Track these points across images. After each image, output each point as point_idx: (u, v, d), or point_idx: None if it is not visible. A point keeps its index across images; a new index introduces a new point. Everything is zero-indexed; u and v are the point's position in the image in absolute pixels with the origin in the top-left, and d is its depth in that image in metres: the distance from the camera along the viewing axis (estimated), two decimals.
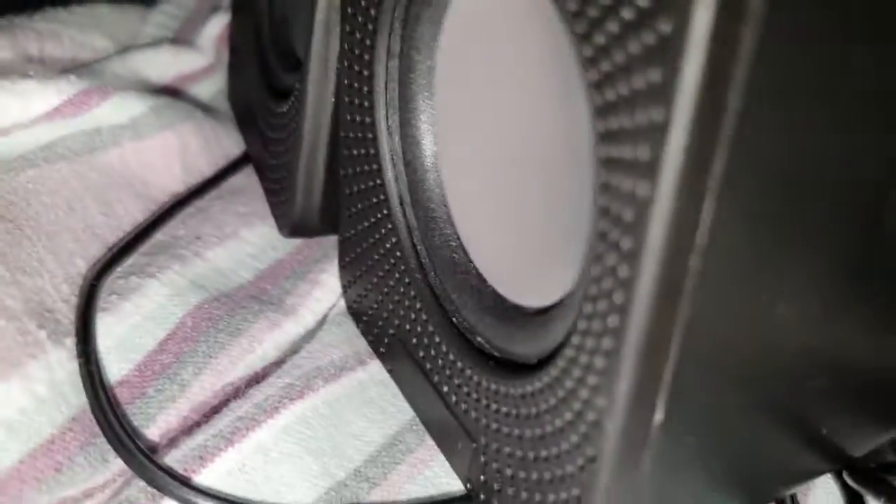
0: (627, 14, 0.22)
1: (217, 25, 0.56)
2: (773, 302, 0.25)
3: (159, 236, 0.43)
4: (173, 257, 0.40)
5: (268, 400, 0.34)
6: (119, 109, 0.44)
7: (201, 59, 0.55)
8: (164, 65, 0.53)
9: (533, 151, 0.30)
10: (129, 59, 0.51)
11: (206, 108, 0.52)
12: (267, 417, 0.34)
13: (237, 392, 0.35)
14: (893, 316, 0.29)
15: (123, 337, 0.36)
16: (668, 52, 0.21)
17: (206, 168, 0.49)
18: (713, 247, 0.22)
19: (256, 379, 0.36)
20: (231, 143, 0.52)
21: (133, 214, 0.43)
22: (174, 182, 0.47)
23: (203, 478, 0.31)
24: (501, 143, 0.32)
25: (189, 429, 0.34)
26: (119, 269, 0.39)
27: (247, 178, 0.51)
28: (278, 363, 0.37)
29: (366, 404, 0.37)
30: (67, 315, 0.35)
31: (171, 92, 0.53)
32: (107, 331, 0.36)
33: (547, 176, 0.30)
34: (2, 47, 0.46)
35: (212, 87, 0.55)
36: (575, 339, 0.26)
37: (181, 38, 0.57)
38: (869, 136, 0.23)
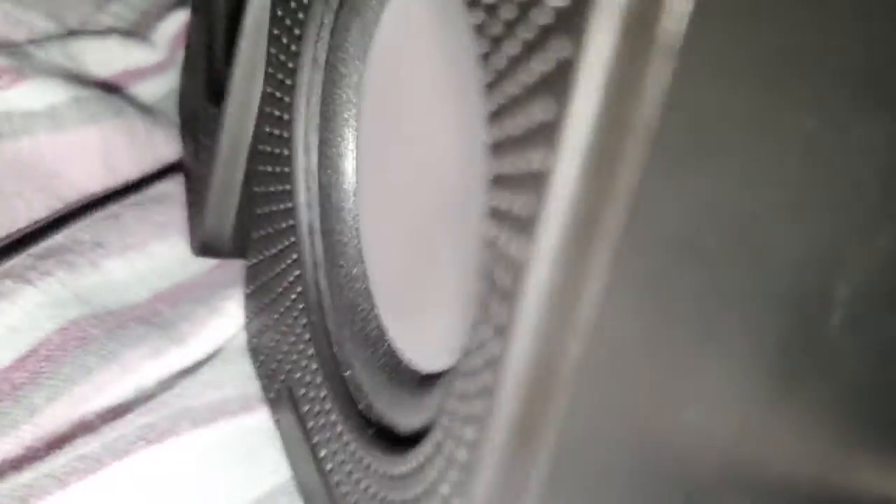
0: (527, 33, 0.17)
1: (175, 22, 0.52)
2: (678, 404, 0.20)
3: (59, 238, 0.38)
4: (63, 263, 0.36)
5: (119, 440, 0.30)
6: (35, 95, 0.40)
7: (152, 56, 0.51)
8: (109, 56, 0.49)
9: (443, 197, 0.26)
10: (70, 45, 0.47)
11: (145, 109, 0.48)
12: (113, 460, 0.29)
13: (90, 426, 0.31)
14: (836, 432, 0.24)
15: None
16: (561, 83, 0.16)
17: (132, 171, 0.45)
18: (600, 327, 0.18)
19: (118, 413, 0.32)
20: (167, 150, 0.48)
21: (34, 211, 0.39)
22: (91, 182, 0.42)
23: None
24: (415, 183, 0.28)
25: (29, 462, 0.29)
26: None
27: (177, 188, 0.46)
28: (148, 398, 0.33)
29: (240, 457, 0.32)
30: None
31: (112, 87, 0.48)
32: None
33: (458, 227, 0.26)
34: None
35: (159, 88, 0.51)
36: (443, 421, 0.22)
37: (136, 31, 0.53)
38: (810, 205, 0.19)
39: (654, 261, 0.17)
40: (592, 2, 0.15)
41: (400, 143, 0.29)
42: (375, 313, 0.31)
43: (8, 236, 0.36)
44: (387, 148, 0.30)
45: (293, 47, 0.32)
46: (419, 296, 0.28)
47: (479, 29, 0.19)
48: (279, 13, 0.32)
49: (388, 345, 0.30)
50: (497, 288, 0.18)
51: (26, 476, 0.28)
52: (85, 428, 0.31)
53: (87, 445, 0.29)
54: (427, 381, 0.27)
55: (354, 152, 0.32)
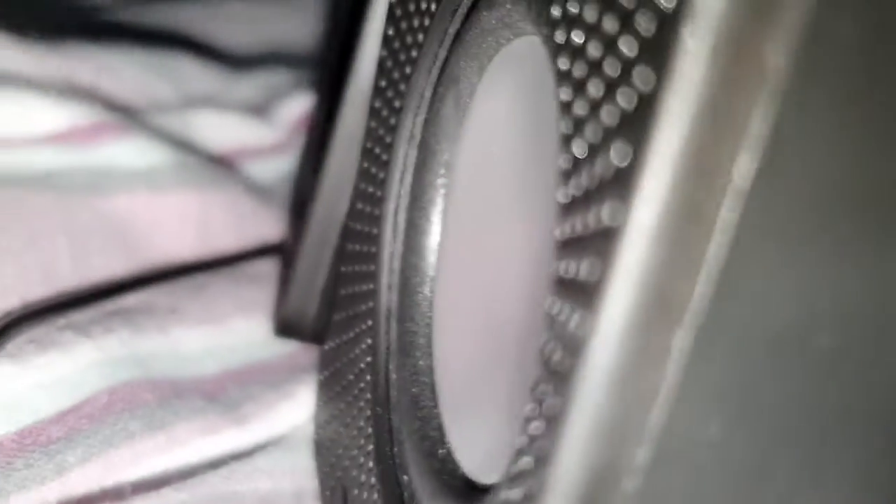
0: (607, 117, 0.15)
1: (300, 105, 0.52)
2: None
3: (133, 299, 0.37)
4: (129, 323, 0.34)
5: None
6: (138, 153, 0.39)
7: (270, 136, 0.50)
8: (225, 131, 0.48)
9: (516, 293, 0.23)
10: (188, 116, 0.47)
11: (255, 187, 0.47)
12: None
13: (121, 494, 0.28)
14: None
15: (19, 393, 0.30)
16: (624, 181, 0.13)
17: (229, 245, 0.43)
18: (672, 432, 0.14)
19: (155, 485, 0.29)
20: (271, 230, 0.46)
21: (113, 269, 0.37)
22: (183, 249, 0.41)
23: None
24: (491, 275, 0.25)
25: None
26: (60, 321, 0.33)
27: (274, 269, 0.45)
28: (189, 474, 0.30)
29: None
30: None
31: (224, 162, 0.48)
32: (1, 381, 0.29)
33: (525, 330, 0.23)
34: (49, 66, 0.42)
35: (274, 169, 0.50)
36: None
37: (259, 110, 0.52)
38: None
39: (746, 355, 0.14)
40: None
41: (482, 229, 0.26)
42: (437, 412, 0.27)
43: (81, 289, 0.35)
44: (469, 233, 0.27)
45: (392, 120, 0.30)
46: (481, 400, 0.25)
47: (567, 108, 0.16)
48: (382, 84, 0.31)
49: (447, 449, 0.26)
50: (552, 372, 0.15)
51: None
52: (115, 496, 0.28)
53: None
54: (480, 496, 0.24)
55: (439, 236, 0.29)
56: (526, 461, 0.16)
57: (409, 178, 0.30)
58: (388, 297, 0.30)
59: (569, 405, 0.14)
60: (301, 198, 0.47)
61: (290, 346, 0.39)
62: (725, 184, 0.12)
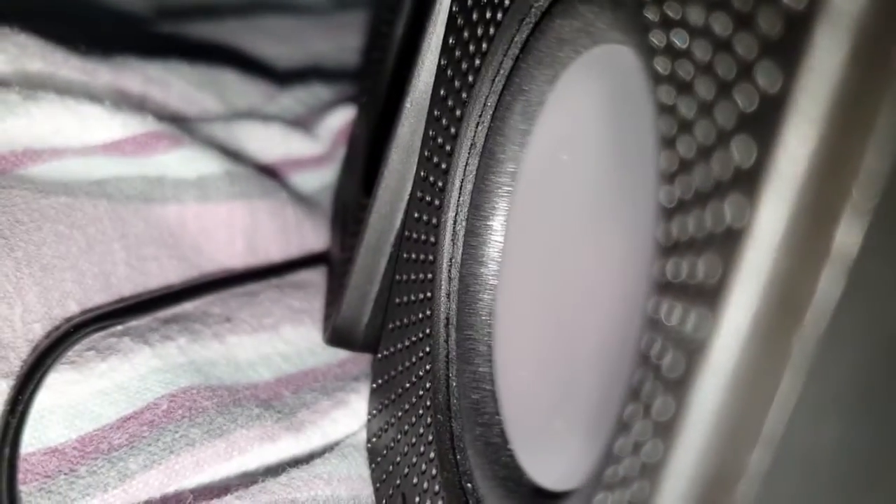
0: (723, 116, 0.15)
1: (340, 118, 0.52)
2: None
3: (188, 307, 0.37)
4: (186, 330, 0.34)
5: None
6: (188, 163, 0.39)
7: (313, 148, 0.50)
8: (270, 143, 0.48)
9: (595, 306, 0.23)
10: (234, 127, 0.47)
11: (299, 197, 0.47)
12: None
13: (182, 501, 0.28)
14: None
15: (80, 400, 0.30)
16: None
17: (275, 254, 0.43)
18: (793, 438, 0.14)
19: (215, 492, 0.29)
20: (315, 240, 0.46)
21: (166, 276, 0.38)
22: (232, 258, 0.41)
23: None
24: (563, 287, 0.25)
25: None
26: (118, 328, 0.33)
27: (319, 278, 0.45)
28: (251, 481, 0.30)
29: None
30: (23, 356, 0.30)
31: (269, 172, 0.48)
32: (62, 387, 0.30)
33: (606, 341, 0.22)
34: (100, 78, 0.42)
35: (316, 180, 0.50)
36: None
37: (302, 123, 0.52)
38: None
39: (867, 356, 0.14)
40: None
41: (552, 238, 0.26)
42: (499, 419, 0.27)
43: (138, 296, 0.35)
44: (537, 243, 0.27)
45: (452, 129, 0.30)
46: (549, 407, 0.25)
47: (669, 110, 0.16)
48: (442, 93, 0.31)
49: (511, 456, 0.26)
50: (662, 376, 0.15)
51: None
52: (176, 503, 0.28)
53: None
54: (549, 499, 0.24)
55: (501, 244, 0.29)
56: (628, 466, 0.16)
57: (469, 187, 0.30)
58: (446, 305, 0.30)
59: (684, 409, 0.14)
60: (343, 207, 0.47)
61: (339, 355, 0.39)
62: (854, 184, 0.12)
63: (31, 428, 0.28)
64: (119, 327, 0.33)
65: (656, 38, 0.17)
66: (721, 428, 0.13)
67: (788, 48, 0.12)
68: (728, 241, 0.13)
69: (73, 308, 0.33)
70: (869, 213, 0.12)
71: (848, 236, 0.13)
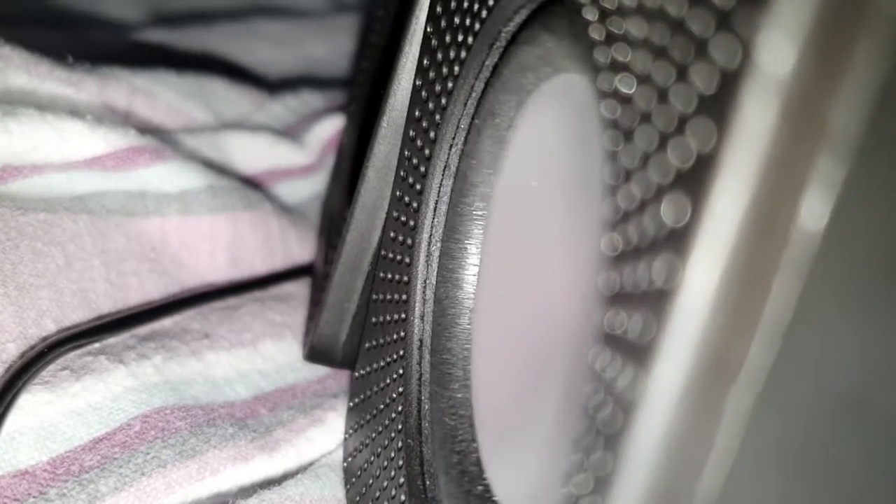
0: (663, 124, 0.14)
1: (330, 127, 0.52)
2: None
3: (167, 323, 0.37)
4: (162, 348, 0.34)
5: None
6: (170, 177, 0.39)
7: (301, 158, 0.50)
8: (257, 153, 0.48)
9: (559, 329, 0.23)
10: (221, 137, 0.47)
11: (285, 208, 0.47)
12: None
13: None
14: None
15: (52, 421, 0.30)
16: (698, 183, 0.13)
17: (259, 267, 0.43)
18: (729, 500, 0.14)
19: None
20: (299, 251, 0.46)
21: (147, 292, 0.37)
22: (214, 272, 0.41)
23: None
24: (534, 309, 0.25)
25: None
26: (94, 346, 0.33)
27: (303, 291, 0.45)
28: (223, 503, 0.30)
29: None
30: None
31: (255, 183, 0.48)
32: (34, 408, 0.30)
33: (569, 367, 0.22)
34: (85, 91, 0.42)
35: (303, 190, 0.50)
36: None
37: (291, 133, 0.52)
38: None
39: (804, 418, 0.14)
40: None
41: (524, 262, 0.26)
42: (475, 447, 0.27)
43: (117, 313, 0.35)
44: (510, 267, 0.27)
45: (427, 150, 0.30)
46: (524, 437, 0.25)
47: (613, 157, 0.16)
48: (417, 114, 0.30)
49: (486, 485, 0.26)
50: (601, 430, 0.15)
51: None
52: None
53: None
54: None
55: (477, 267, 0.29)
56: None
57: (443, 208, 0.30)
58: (420, 326, 0.30)
59: (619, 466, 0.14)
60: (329, 219, 0.47)
61: (319, 371, 0.39)
62: (785, 247, 0.12)
63: (2, 450, 0.28)
64: (96, 345, 0.33)
65: (605, 81, 0.17)
66: (655, 488, 0.13)
67: (721, 106, 0.12)
68: (660, 301, 0.13)
69: (49, 327, 0.33)
70: (803, 276, 0.12)
71: (782, 299, 0.12)
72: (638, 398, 0.13)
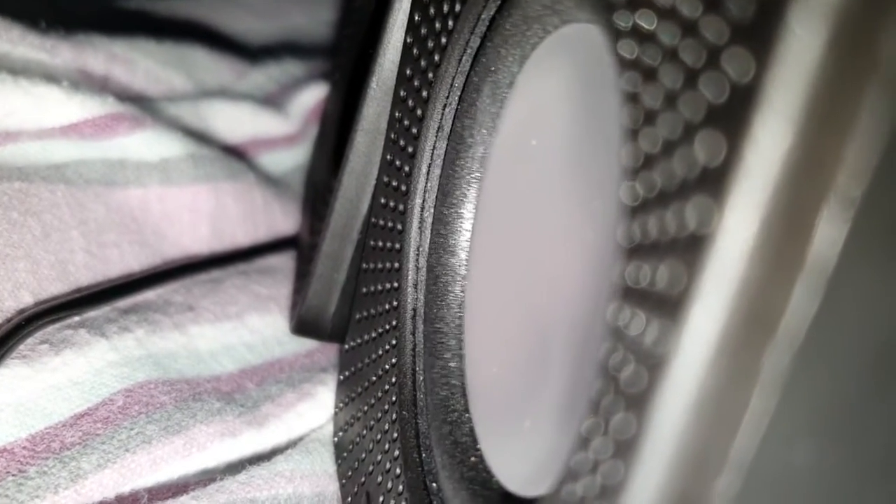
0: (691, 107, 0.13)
1: (313, 96, 0.50)
2: None
3: (150, 295, 0.36)
4: (145, 321, 0.33)
5: None
6: (150, 145, 0.38)
7: (284, 127, 0.49)
8: (239, 122, 0.47)
9: (566, 299, 0.22)
10: (201, 106, 0.45)
11: (268, 178, 0.46)
12: None
13: (135, 502, 0.27)
14: None
15: (31, 397, 0.28)
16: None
17: (242, 239, 0.42)
18: (762, 459, 0.13)
19: (172, 492, 0.28)
20: (284, 222, 0.45)
21: (128, 264, 0.36)
22: (196, 244, 0.40)
23: None
24: (535, 279, 0.24)
25: None
26: (74, 319, 0.32)
27: (288, 263, 0.43)
28: (210, 480, 0.29)
29: None
30: None
31: (237, 153, 0.46)
32: (12, 383, 0.28)
33: (578, 338, 0.21)
34: (60, 57, 0.40)
35: (287, 160, 0.49)
36: None
37: (273, 101, 0.51)
38: None
39: (844, 373, 0.12)
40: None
41: (522, 227, 0.25)
42: (468, 417, 0.26)
43: (98, 285, 0.34)
44: (507, 232, 0.26)
45: (419, 111, 0.29)
46: (519, 406, 0.24)
47: (633, 99, 0.15)
48: (408, 73, 0.29)
49: (479, 456, 0.25)
50: (622, 390, 0.14)
51: None
52: (131, 503, 0.27)
53: None
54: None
55: (471, 233, 0.28)
56: (587, 484, 0.15)
57: (437, 172, 0.29)
58: (413, 295, 0.29)
59: (645, 428, 0.13)
60: (314, 189, 0.46)
61: (307, 345, 0.38)
62: (833, 186, 0.11)
63: None
64: (75, 318, 0.32)
65: (622, 20, 0.15)
66: (685, 451, 0.12)
67: (761, 34, 0.11)
68: (692, 248, 0.12)
69: (27, 299, 0.31)
70: (850, 217, 0.11)
71: (826, 243, 0.11)
72: (667, 354, 0.12)
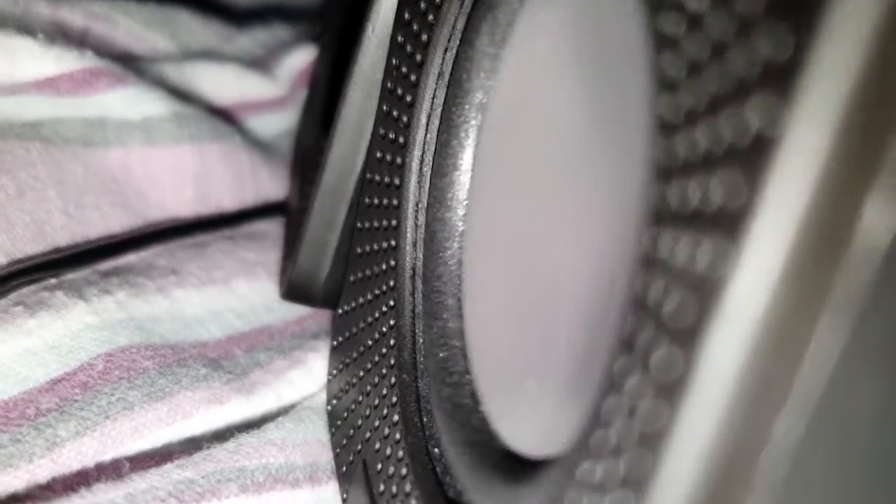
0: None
1: (301, 59, 0.49)
2: None
3: (131, 258, 0.34)
4: (126, 284, 0.31)
5: (147, 493, 0.24)
6: (132, 103, 0.36)
7: (272, 90, 0.47)
8: (225, 84, 0.45)
9: (579, 253, 0.20)
10: (186, 67, 0.43)
11: (255, 142, 0.44)
12: None
13: (117, 471, 0.25)
14: None
15: (4, 361, 0.27)
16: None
17: (228, 203, 0.40)
18: (829, 399, 0.11)
19: (155, 460, 0.26)
20: (271, 187, 0.43)
21: (108, 226, 0.34)
22: (180, 207, 0.38)
23: None
24: (541, 232, 0.22)
25: (34, 501, 0.24)
26: (51, 281, 0.30)
27: (276, 229, 0.42)
28: (196, 448, 0.27)
29: None
30: None
31: (225, 116, 0.45)
32: None
33: (583, 287, 0.20)
34: (35, 12, 0.38)
35: (275, 124, 0.47)
36: None
37: (260, 65, 0.49)
38: None
39: None
40: None
41: (526, 179, 0.23)
42: (469, 378, 0.25)
43: (76, 246, 0.32)
44: (509, 184, 0.25)
45: (418, 56, 0.27)
46: (524, 364, 0.22)
47: (668, 42, 0.13)
48: (406, 16, 0.27)
49: (482, 418, 0.23)
50: (664, 324, 0.12)
51: None
52: (112, 472, 0.25)
53: (107, 493, 0.24)
54: (525, 467, 0.21)
55: (468, 186, 0.26)
56: (621, 430, 0.13)
57: (436, 122, 0.27)
58: (412, 254, 0.28)
59: (694, 365, 0.11)
60: (303, 154, 0.44)
61: (298, 311, 0.36)
62: None
63: None
64: (52, 280, 0.30)
65: None
66: (741, 388, 0.11)
67: None
68: (755, 155, 0.10)
69: (0, 259, 0.30)
70: None
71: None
72: (724, 279, 0.10)
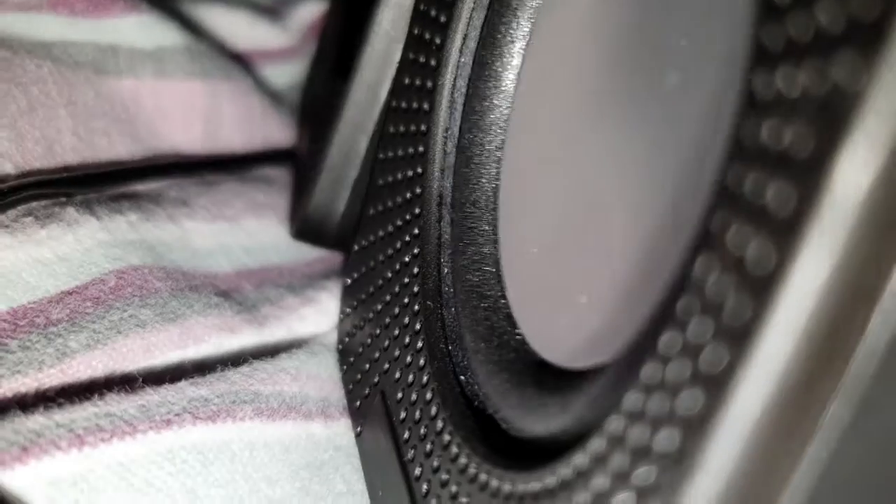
0: None
1: (312, 10, 0.48)
2: None
3: (139, 187, 0.33)
4: (138, 208, 0.30)
5: (162, 407, 0.23)
6: (145, 30, 0.35)
7: (282, 39, 0.46)
8: (235, 30, 0.44)
9: (627, 180, 0.20)
10: (198, 11, 0.42)
11: (266, 90, 0.43)
12: (148, 428, 0.22)
13: (130, 383, 0.24)
14: None
15: (13, 268, 0.25)
16: None
17: (237, 145, 0.39)
18: None
19: (167, 378, 0.25)
20: (280, 135, 0.42)
21: (117, 154, 0.33)
22: (190, 143, 0.37)
23: (13, 476, 0.20)
24: (589, 157, 0.21)
25: (43, 406, 0.23)
26: (61, 199, 0.29)
27: (283, 175, 0.41)
28: (207, 369, 0.26)
29: (304, 466, 0.25)
30: None
31: (237, 61, 0.43)
32: None
33: (639, 207, 0.19)
34: None
35: (284, 74, 0.46)
36: (611, 426, 0.15)
37: (271, 13, 0.48)
38: None
39: None
40: None
41: (574, 100, 0.23)
42: (504, 303, 0.24)
43: (86, 166, 0.31)
44: (554, 105, 0.24)
45: None
46: (567, 283, 0.21)
47: None
48: None
49: (517, 335, 0.23)
50: (743, 272, 0.11)
51: (35, 421, 0.21)
52: (124, 385, 0.24)
53: (119, 404, 0.23)
54: (562, 379, 0.20)
55: (510, 106, 0.25)
56: (697, 330, 0.12)
57: (472, 45, 0.26)
58: (440, 181, 0.27)
59: (741, 368, 0.10)
60: (313, 104, 0.43)
61: (307, 254, 0.35)
62: None
63: None
64: (63, 198, 0.29)
65: None
66: (819, 324, 0.10)
67: None
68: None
69: (8, 169, 0.28)
70: None
71: None
72: (779, 287, 0.10)
